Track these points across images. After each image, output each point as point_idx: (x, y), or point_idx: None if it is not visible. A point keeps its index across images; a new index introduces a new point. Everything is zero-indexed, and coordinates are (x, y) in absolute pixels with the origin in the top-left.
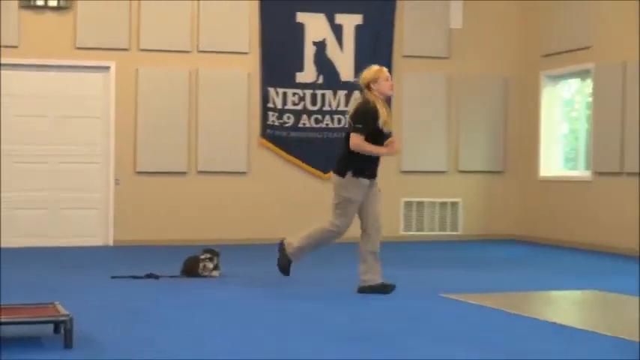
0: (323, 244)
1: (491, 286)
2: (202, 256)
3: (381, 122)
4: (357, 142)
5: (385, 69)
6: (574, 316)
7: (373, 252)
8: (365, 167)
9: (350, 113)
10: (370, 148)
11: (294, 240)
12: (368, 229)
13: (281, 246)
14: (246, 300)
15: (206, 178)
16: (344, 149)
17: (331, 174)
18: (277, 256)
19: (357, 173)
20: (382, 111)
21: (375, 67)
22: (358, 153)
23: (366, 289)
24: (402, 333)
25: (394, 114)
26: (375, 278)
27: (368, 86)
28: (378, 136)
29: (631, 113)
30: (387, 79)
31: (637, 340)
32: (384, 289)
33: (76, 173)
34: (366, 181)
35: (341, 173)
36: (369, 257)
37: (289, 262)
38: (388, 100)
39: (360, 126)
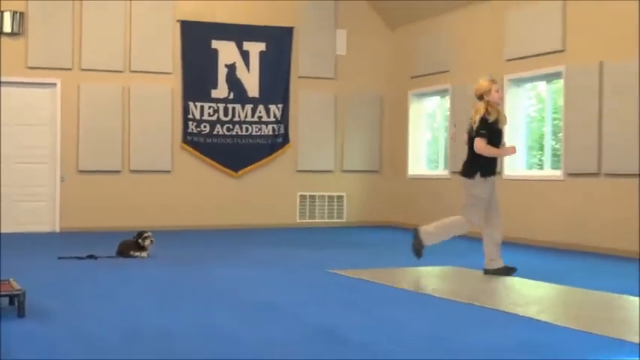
0: (453, 235)
1: (368, 263)
2: (137, 240)
3: (501, 124)
4: (481, 145)
5: (496, 83)
6: (436, 286)
7: (498, 238)
8: (490, 167)
9: (473, 121)
10: (495, 151)
11: (430, 227)
12: (493, 218)
13: (416, 232)
14: (169, 275)
15: (137, 176)
16: (470, 153)
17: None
18: (412, 241)
19: (485, 173)
20: (502, 115)
21: (486, 82)
22: (482, 155)
23: (490, 272)
24: (294, 301)
25: (292, 125)
26: (499, 262)
27: (481, 97)
28: (496, 138)
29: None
30: (497, 91)
31: (486, 304)
32: (507, 271)
33: (27, 171)
34: (492, 179)
35: (470, 175)
36: (492, 243)
37: (422, 245)
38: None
39: (484, 132)
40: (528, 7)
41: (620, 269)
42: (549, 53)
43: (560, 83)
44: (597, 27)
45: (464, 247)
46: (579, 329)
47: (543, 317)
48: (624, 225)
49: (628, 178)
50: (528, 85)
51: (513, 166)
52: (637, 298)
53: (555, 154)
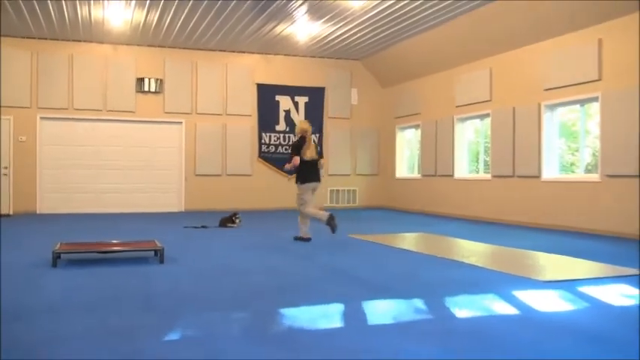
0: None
1: (372, 230)
2: (232, 217)
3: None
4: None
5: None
6: (412, 244)
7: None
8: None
9: (315, 146)
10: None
11: (316, 213)
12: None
13: (332, 217)
14: (249, 238)
15: (231, 178)
16: (315, 166)
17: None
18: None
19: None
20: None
21: (307, 124)
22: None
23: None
24: (324, 254)
25: (325, 146)
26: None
27: (306, 132)
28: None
29: (440, 145)
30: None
31: (443, 255)
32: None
33: (164, 175)
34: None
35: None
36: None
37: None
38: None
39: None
40: (466, 74)
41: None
42: (480, 102)
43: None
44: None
45: (428, 221)
46: (500, 271)
47: (479, 264)
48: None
49: None
50: (468, 122)
51: (461, 171)
52: (540, 253)
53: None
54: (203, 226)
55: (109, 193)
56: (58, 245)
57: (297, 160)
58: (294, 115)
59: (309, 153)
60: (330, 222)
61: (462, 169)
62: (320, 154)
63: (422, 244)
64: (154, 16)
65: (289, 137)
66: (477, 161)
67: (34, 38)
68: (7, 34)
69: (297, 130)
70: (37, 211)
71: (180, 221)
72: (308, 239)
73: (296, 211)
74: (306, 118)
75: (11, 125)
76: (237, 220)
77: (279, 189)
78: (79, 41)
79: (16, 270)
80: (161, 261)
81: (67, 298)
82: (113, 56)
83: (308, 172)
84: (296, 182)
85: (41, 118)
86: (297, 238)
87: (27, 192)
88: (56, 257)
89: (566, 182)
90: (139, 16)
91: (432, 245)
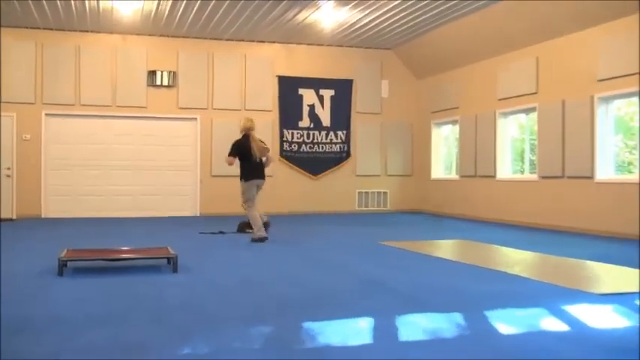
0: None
1: (405, 237)
2: (249, 221)
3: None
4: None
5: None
6: (449, 253)
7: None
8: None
9: (264, 144)
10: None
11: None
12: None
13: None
14: (270, 244)
15: None
16: (262, 164)
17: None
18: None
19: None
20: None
21: (251, 121)
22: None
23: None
24: (352, 261)
25: (352, 144)
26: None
27: (250, 129)
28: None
29: (480, 143)
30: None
31: (484, 265)
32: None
33: (177, 176)
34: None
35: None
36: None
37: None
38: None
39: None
40: (509, 63)
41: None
42: (525, 95)
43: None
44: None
45: (467, 227)
46: (549, 282)
47: (524, 274)
48: None
49: None
50: (512, 117)
51: (504, 172)
52: (595, 263)
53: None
54: (220, 232)
55: (118, 195)
56: (65, 252)
57: (230, 160)
58: (319, 110)
59: (254, 152)
60: (260, 238)
61: (505, 170)
62: (267, 149)
63: (460, 253)
64: (167, 4)
65: (313, 134)
66: (522, 161)
67: (38, 28)
68: (9, 24)
69: (240, 127)
70: (42, 215)
71: (196, 226)
72: (264, 238)
73: (322, 215)
74: (332, 112)
75: (14, 123)
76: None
77: (303, 191)
78: (87, 31)
79: (19, 279)
80: (175, 270)
81: (73, 310)
82: (123, 47)
83: (252, 169)
84: (240, 179)
85: (46, 114)
86: (254, 240)
87: (31, 194)
88: (62, 265)
89: (623, 184)
90: (151, 3)
91: (471, 253)
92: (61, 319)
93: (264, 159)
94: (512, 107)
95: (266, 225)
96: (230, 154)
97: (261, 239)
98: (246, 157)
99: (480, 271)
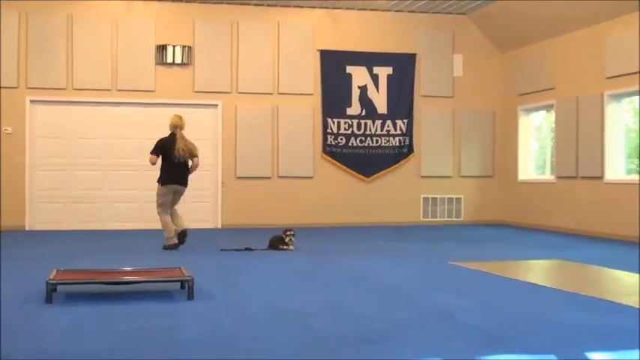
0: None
1: (484, 256)
2: (283, 235)
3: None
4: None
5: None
6: (542, 277)
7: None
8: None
9: (192, 145)
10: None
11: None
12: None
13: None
14: (310, 264)
15: (284, 181)
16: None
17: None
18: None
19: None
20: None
21: (178, 118)
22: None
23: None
24: (417, 288)
25: (416, 137)
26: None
27: (176, 128)
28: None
29: (583, 134)
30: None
31: (587, 293)
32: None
33: (192, 178)
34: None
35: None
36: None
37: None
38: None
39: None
40: (622, 31)
41: None
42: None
43: None
44: None
45: (563, 242)
46: None
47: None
48: None
49: None
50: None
51: (614, 172)
52: None
53: None
54: (247, 249)
55: (120, 202)
56: (54, 273)
57: (152, 159)
58: (372, 93)
59: (178, 152)
60: (171, 246)
61: (617, 169)
62: (194, 154)
63: (556, 276)
64: None
65: (366, 124)
66: (639, 157)
67: None
68: None
69: (169, 124)
70: (26, 227)
71: (216, 241)
72: (175, 245)
73: (376, 228)
74: (389, 96)
75: None
76: (287, 240)
77: (352, 197)
78: None
79: None
80: (190, 296)
81: (64, 345)
82: (125, 17)
83: (173, 173)
84: (157, 181)
85: (32, 101)
86: (165, 247)
87: (13, 201)
88: (51, 290)
89: None
90: None
91: (570, 277)
92: (49, 357)
93: (189, 162)
94: (626, 88)
95: (183, 234)
96: (152, 152)
97: (171, 247)
98: (168, 158)
99: (582, 301)
